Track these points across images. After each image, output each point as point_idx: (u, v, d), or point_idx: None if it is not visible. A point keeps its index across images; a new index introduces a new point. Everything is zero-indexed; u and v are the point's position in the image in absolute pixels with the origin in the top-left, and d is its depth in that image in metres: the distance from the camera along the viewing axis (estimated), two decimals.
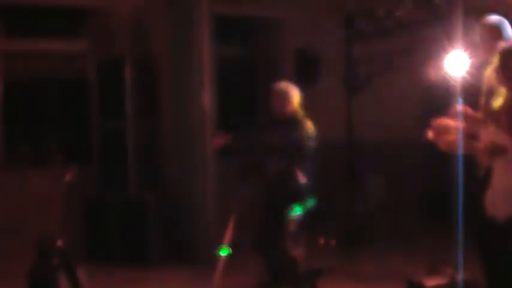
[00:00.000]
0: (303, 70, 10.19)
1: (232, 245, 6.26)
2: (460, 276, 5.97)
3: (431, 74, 6.90)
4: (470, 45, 5.56)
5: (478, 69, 5.34)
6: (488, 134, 4.83)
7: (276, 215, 6.32)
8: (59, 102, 9.84)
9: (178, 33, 8.56)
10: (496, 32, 5.27)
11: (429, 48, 7.89)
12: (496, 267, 5.26)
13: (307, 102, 6.63)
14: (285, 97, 6.54)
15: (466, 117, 5.02)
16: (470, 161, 5.23)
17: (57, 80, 9.78)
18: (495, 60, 4.82)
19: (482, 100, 5.21)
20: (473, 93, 5.28)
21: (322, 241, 9.14)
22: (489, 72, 5.16)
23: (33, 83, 9.62)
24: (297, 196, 6.33)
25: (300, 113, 6.53)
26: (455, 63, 5.14)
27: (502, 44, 4.91)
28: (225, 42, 9.58)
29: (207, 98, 8.28)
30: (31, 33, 9.30)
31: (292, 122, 6.40)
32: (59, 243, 6.18)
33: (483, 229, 5.17)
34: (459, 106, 5.06)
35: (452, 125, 5.01)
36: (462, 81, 5.11)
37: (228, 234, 5.99)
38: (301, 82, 9.52)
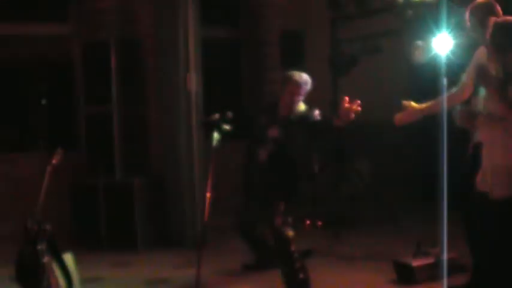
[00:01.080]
0: (288, 51, 10.20)
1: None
2: (445, 255, 6.02)
3: (417, 55, 6.93)
4: (455, 27, 5.58)
5: (465, 49, 5.35)
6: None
7: (268, 196, 6.33)
8: (44, 86, 9.80)
9: (164, 15, 8.52)
10: (491, 11, 5.26)
11: (415, 29, 7.91)
12: (484, 246, 5.29)
13: None
14: (305, 89, 6.51)
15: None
16: (461, 140, 5.27)
17: (42, 63, 9.74)
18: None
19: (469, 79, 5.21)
20: (459, 73, 5.30)
21: (308, 223, 9.17)
22: (481, 51, 5.15)
23: (17, 67, 9.58)
24: (292, 179, 6.35)
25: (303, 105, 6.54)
26: (440, 44, 5.15)
27: (493, 19, 4.92)
28: (210, 23, 9.54)
29: (193, 81, 8.27)
30: (15, 17, 9.25)
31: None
32: (46, 228, 6.17)
33: (473, 208, 5.20)
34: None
35: None
36: (447, 61, 5.13)
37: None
38: (287, 63, 9.56)
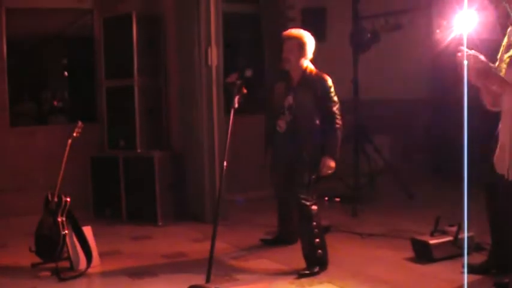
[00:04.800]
0: (309, 28, 10.15)
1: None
2: (464, 234, 6.00)
3: (439, 32, 6.87)
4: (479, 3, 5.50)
5: (494, 26, 5.28)
6: None
7: (291, 168, 6.30)
8: (66, 59, 9.83)
9: None
10: None
11: (437, 5, 7.85)
12: (503, 226, 5.28)
13: (314, 60, 6.58)
14: (301, 47, 6.31)
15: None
16: (484, 120, 5.22)
17: (64, 37, 9.76)
18: None
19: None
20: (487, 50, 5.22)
21: (326, 199, 9.18)
22: None
23: (39, 41, 9.61)
24: (312, 149, 6.28)
25: (314, 70, 6.36)
26: (464, 21, 5.08)
27: None
28: None
29: (214, 55, 8.26)
30: None
31: (318, 85, 6.26)
32: (66, 200, 6.22)
33: (492, 188, 5.18)
34: None
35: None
36: (470, 39, 5.06)
37: None
38: None
